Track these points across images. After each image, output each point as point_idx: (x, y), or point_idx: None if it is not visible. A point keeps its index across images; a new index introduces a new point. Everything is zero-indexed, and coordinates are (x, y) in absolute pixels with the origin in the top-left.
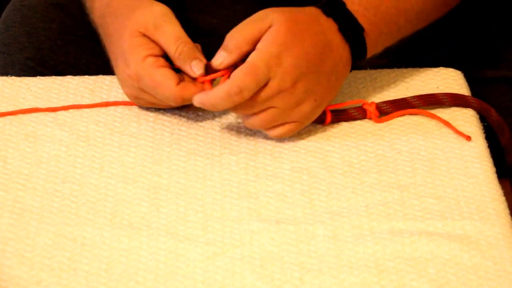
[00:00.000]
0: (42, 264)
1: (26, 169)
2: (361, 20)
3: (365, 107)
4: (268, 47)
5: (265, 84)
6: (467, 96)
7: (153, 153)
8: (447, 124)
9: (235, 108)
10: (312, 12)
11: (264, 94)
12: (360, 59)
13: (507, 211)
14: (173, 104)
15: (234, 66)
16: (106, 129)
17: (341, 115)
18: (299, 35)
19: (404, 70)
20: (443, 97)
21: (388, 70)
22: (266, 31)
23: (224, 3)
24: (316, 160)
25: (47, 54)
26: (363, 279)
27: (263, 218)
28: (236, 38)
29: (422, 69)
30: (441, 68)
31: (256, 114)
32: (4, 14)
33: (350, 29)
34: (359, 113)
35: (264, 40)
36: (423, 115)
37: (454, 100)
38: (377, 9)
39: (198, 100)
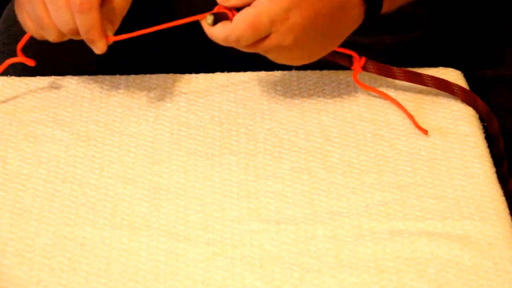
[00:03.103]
0: (42, 264)
1: (26, 169)
2: None
3: (353, 60)
4: (279, 1)
5: (268, 36)
6: (452, 83)
7: (153, 153)
8: (410, 116)
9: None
10: None
11: (261, 45)
12: (373, 16)
13: (507, 211)
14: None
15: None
16: (106, 129)
17: (327, 56)
18: None
19: (404, 70)
20: (427, 78)
21: None
22: None
23: None
24: (316, 160)
25: (48, 54)
26: (363, 279)
27: (263, 218)
28: None
29: (422, 69)
30: (441, 68)
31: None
32: (4, 13)
33: None
34: (345, 61)
35: None
36: (393, 104)
37: (438, 84)
38: None
39: (203, 26)
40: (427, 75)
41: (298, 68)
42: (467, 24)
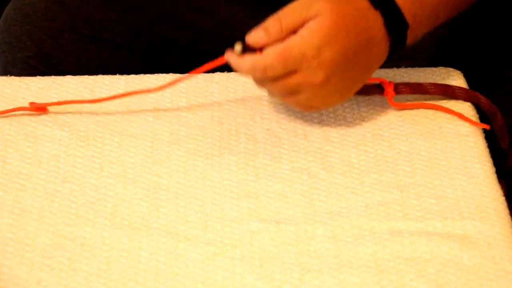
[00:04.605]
0: (42, 264)
1: (26, 169)
2: (406, 14)
3: (383, 85)
4: (310, 37)
5: (297, 72)
6: (480, 94)
7: (152, 153)
8: (461, 117)
9: (261, 83)
10: (361, 6)
11: (293, 80)
12: (397, 51)
13: (507, 211)
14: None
15: None
16: (106, 129)
17: (359, 90)
18: (344, 30)
19: (404, 70)
20: (458, 91)
21: (388, 70)
22: (309, 20)
23: (222, 2)
24: (316, 160)
25: (49, 52)
26: (363, 279)
27: (263, 218)
28: (278, 23)
29: (422, 69)
30: (441, 68)
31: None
32: (5, 12)
33: (396, 26)
34: (376, 90)
35: (307, 28)
36: (437, 110)
37: (468, 96)
38: (422, 1)
39: (228, 58)
40: (458, 87)
41: None
42: (467, 23)
